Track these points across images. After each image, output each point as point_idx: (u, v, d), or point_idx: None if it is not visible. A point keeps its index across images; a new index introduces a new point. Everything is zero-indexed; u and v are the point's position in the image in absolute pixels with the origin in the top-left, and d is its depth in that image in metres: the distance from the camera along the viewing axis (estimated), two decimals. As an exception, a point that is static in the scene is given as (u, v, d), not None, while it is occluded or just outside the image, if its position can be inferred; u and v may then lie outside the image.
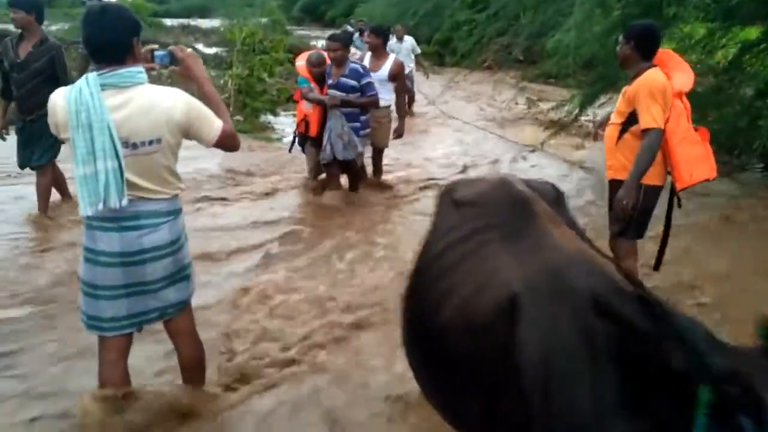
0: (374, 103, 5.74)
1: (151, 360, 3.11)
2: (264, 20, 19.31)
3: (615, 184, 3.68)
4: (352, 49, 6.42)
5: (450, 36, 16.56)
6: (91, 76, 2.22)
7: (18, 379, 3.04)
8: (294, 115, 10.94)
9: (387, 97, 6.23)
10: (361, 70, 5.66)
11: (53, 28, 18.48)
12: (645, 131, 3.45)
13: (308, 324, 3.60)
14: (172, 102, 2.32)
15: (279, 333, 3.50)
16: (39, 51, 4.90)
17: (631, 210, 3.56)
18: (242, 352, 3.30)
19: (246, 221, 5.41)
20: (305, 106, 5.96)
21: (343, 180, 6.23)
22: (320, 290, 4.06)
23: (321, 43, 20.57)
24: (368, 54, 6.44)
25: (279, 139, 9.24)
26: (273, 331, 3.52)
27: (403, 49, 10.77)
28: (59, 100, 2.24)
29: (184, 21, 27.53)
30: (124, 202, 2.24)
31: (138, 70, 2.31)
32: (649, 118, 3.42)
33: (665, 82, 3.47)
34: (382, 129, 6.32)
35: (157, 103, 2.30)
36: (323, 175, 6.25)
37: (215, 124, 2.42)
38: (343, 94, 5.57)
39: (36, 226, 5.12)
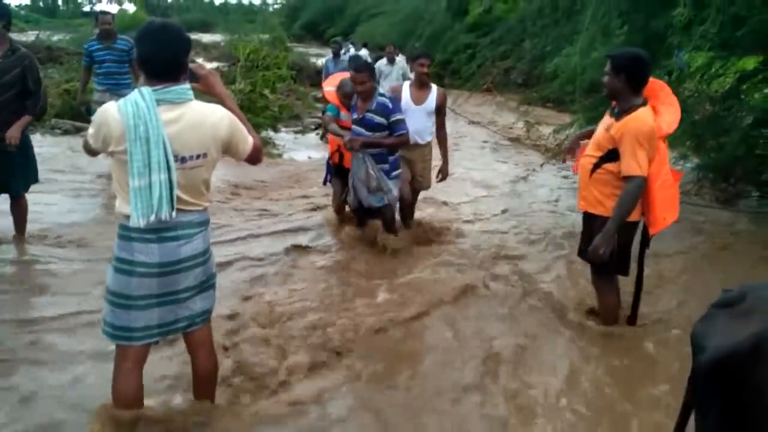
0: (403, 144, 4.92)
1: (161, 373, 3.12)
2: (265, 36, 19.56)
3: (589, 217, 3.64)
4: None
5: (450, 58, 16.78)
6: (146, 91, 2.27)
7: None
8: (295, 132, 11.14)
9: (431, 132, 5.42)
10: (390, 105, 4.80)
11: (54, 38, 18.65)
12: (628, 178, 3.33)
13: (303, 344, 3.58)
14: (219, 118, 2.40)
15: (274, 352, 3.49)
16: (9, 62, 4.35)
17: (609, 257, 3.46)
18: (243, 367, 3.30)
19: (244, 235, 5.44)
20: (337, 136, 5.23)
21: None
22: (313, 311, 4.00)
23: (321, 61, 20.83)
24: (406, 84, 5.46)
25: (280, 155, 9.28)
26: (272, 346, 3.52)
27: (394, 71, 9.96)
28: (114, 113, 2.26)
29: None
30: (174, 213, 2.31)
31: (188, 87, 2.38)
32: (635, 164, 3.29)
33: (653, 125, 3.32)
34: (426, 168, 5.47)
35: (206, 119, 2.37)
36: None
37: (248, 140, 2.52)
38: (369, 133, 4.80)
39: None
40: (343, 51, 17.85)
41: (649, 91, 3.48)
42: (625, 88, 3.38)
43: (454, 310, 4.12)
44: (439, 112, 5.34)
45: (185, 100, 2.35)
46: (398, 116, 4.79)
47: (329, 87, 5.33)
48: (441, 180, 5.55)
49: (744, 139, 6.53)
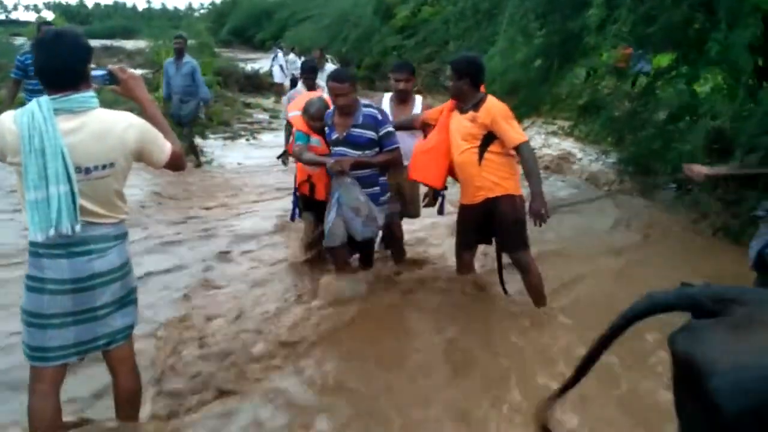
0: (397, 161, 4.22)
1: (80, 393, 3.00)
2: (191, 42, 19.16)
3: (489, 202, 3.89)
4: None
5: (380, 60, 16.85)
6: (44, 100, 2.19)
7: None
8: (224, 138, 10.95)
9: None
10: (379, 116, 4.10)
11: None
12: (519, 146, 3.76)
13: (236, 353, 3.50)
14: (126, 126, 2.32)
15: (205, 364, 3.40)
16: None
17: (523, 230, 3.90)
18: (173, 384, 3.21)
19: (171, 245, 5.30)
20: (308, 165, 4.52)
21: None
22: (245, 319, 3.95)
23: (250, 66, 20.53)
24: (387, 96, 4.71)
25: (209, 162, 9.11)
26: (200, 362, 3.42)
27: (322, 80, 8.38)
28: (9, 124, 2.19)
29: (107, 42, 26.89)
30: (77, 227, 2.21)
31: (91, 95, 2.30)
32: (516, 134, 3.79)
33: None
34: (413, 193, 4.69)
35: (111, 128, 2.29)
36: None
37: (165, 147, 2.44)
38: (357, 153, 4.06)
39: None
40: (272, 56, 17.76)
41: None
42: (470, 88, 3.88)
43: (403, 309, 4.13)
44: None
45: (87, 109, 2.27)
46: (388, 128, 4.10)
47: (294, 111, 4.56)
48: (426, 205, 4.64)
49: (660, 133, 6.80)
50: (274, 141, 10.40)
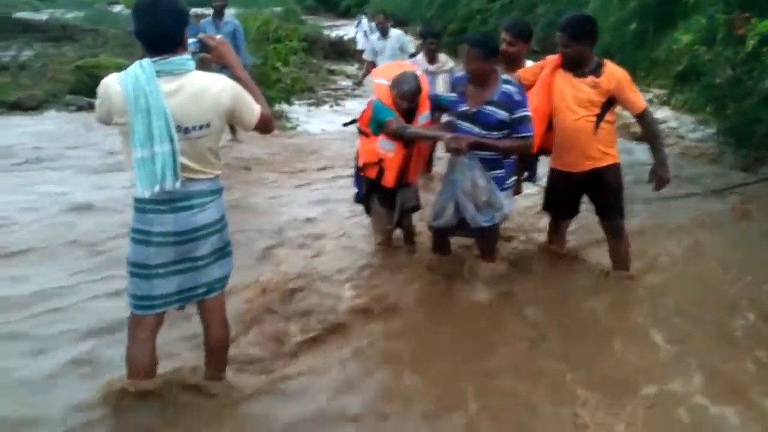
0: (526, 151, 3.71)
1: (171, 344, 3.13)
2: (278, 9, 19.41)
3: (598, 171, 3.76)
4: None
5: (465, 26, 16.56)
6: (146, 63, 2.29)
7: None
8: (309, 105, 11.08)
9: None
10: (517, 96, 3.55)
11: (69, 15, 18.67)
12: (643, 112, 3.67)
13: (317, 317, 3.57)
14: (220, 88, 2.40)
15: (287, 324, 3.50)
16: None
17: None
18: (249, 342, 3.30)
19: (259, 207, 5.44)
20: (381, 145, 3.91)
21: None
22: (327, 284, 3.99)
23: (335, 33, 20.61)
24: None
25: (294, 128, 9.26)
26: (279, 322, 3.51)
27: (388, 48, 7.85)
28: (115, 85, 2.29)
29: (198, 10, 27.57)
30: (178, 184, 2.33)
31: (188, 58, 2.38)
32: (640, 100, 3.67)
33: None
34: None
35: (207, 90, 2.38)
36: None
37: (255, 109, 2.51)
38: (483, 132, 3.59)
39: None
40: (356, 23, 17.74)
41: None
42: (589, 50, 3.63)
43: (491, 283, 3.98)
44: None
45: (185, 71, 2.35)
46: (524, 112, 3.55)
47: (380, 78, 3.95)
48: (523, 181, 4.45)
49: (765, 101, 6.36)
50: (357, 108, 10.36)
